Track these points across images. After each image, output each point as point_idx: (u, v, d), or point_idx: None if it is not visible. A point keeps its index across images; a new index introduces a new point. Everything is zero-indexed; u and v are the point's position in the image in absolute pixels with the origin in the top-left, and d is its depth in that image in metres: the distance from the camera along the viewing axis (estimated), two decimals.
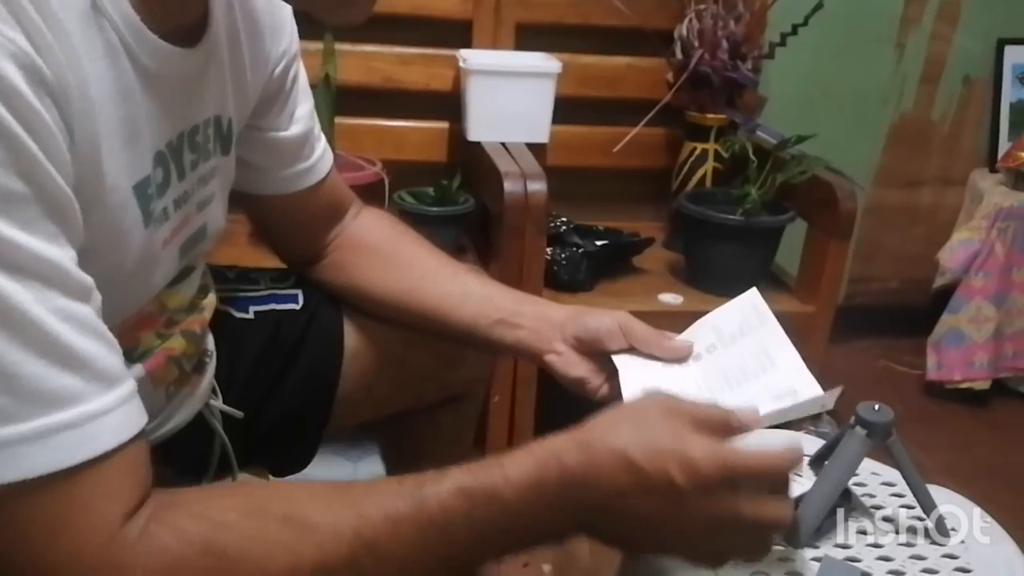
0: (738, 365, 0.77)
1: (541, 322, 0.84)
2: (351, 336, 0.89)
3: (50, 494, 0.45)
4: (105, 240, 0.49)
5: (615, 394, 0.80)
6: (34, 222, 0.44)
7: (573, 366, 0.83)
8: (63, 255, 0.46)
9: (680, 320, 0.84)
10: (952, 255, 1.90)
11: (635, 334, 0.81)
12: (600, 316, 0.83)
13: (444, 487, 0.53)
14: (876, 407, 0.71)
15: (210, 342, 0.77)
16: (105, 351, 0.47)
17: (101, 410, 0.46)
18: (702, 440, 0.54)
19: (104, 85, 0.51)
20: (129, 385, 0.49)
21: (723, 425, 0.57)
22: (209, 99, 0.65)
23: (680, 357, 0.80)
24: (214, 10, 0.63)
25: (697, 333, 0.83)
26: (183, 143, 0.62)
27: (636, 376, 0.80)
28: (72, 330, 0.45)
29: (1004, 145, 2.05)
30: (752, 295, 0.82)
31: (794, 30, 1.62)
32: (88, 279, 0.48)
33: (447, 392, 0.97)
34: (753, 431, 0.58)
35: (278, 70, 0.76)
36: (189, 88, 0.62)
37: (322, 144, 0.86)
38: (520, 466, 0.54)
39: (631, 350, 0.82)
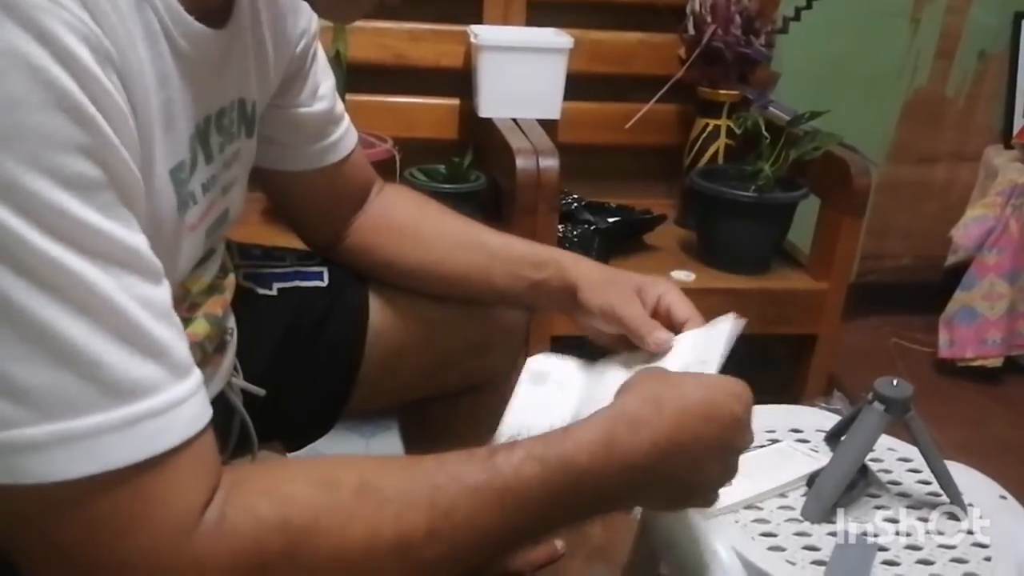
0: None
1: (564, 289, 0.83)
2: (375, 317, 0.88)
3: (128, 487, 0.44)
4: (145, 227, 0.49)
5: None
6: (111, 207, 0.44)
7: (598, 334, 0.83)
8: (138, 239, 0.45)
9: (692, 297, 0.82)
10: (966, 232, 1.89)
11: (622, 319, 0.78)
12: (592, 296, 0.81)
13: (516, 455, 0.53)
14: (895, 382, 0.71)
15: (231, 320, 0.77)
16: (178, 339, 0.47)
17: (179, 399, 0.46)
18: (720, 380, 0.63)
19: (147, 68, 0.51)
20: (198, 374, 0.48)
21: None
22: (234, 81, 0.65)
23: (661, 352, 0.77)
24: None
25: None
26: (210, 126, 0.62)
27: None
28: (151, 317, 0.45)
29: (1019, 121, 2.03)
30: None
31: (809, 4, 1.61)
32: (159, 264, 0.47)
33: (469, 381, 0.96)
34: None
35: (298, 49, 0.76)
36: (217, 70, 0.61)
37: (346, 122, 0.85)
38: (590, 429, 0.55)
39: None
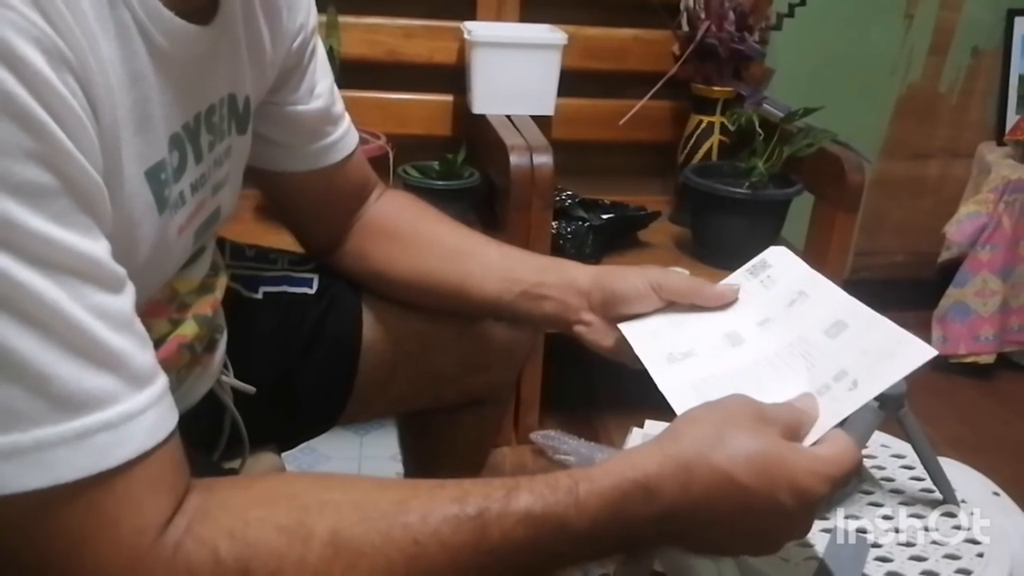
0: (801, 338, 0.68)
1: (566, 291, 0.79)
2: (368, 332, 0.87)
3: (81, 502, 0.43)
4: (118, 230, 0.48)
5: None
6: (66, 215, 0.42)
7: (604, 336, 0.77)
8: (97, 247, 0.44)
9: None
10: (959, 228, 1.89)
11: (671, 289, 0.75)
12: (627, 276, 0.76)
13: (509, 514, 0.49)
14: None
15: (221, 318, 0.76)
16: (139, 348, 0.45)
17: (136, 410, 0.44)
18: (803, 457, 0.54)
19: (116, 68, 0.49)
20: (161, 383, 0.47)
21: (807, 424, 0.58)
22: (223, 77, 0.64)
23: (726, 304, 0.73)
24: None
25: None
26: (200, 124, 0.61)
27: (659, 360, 0.71)
28: (107, 327, 0.43)
29: (1012, 117, 2.04)
30: (779, 251, 0.75)
31: (802, 0, 1.60)
32: (122, 270, 0.46)
33: (467, 396, 0.94)
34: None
35: (296, 44, 0.74)
36: (203, 67, 0.60)
37: (346, 122, 0.83)
38: (596, 494, 0.51)
39: (642, 323, 0.76)
